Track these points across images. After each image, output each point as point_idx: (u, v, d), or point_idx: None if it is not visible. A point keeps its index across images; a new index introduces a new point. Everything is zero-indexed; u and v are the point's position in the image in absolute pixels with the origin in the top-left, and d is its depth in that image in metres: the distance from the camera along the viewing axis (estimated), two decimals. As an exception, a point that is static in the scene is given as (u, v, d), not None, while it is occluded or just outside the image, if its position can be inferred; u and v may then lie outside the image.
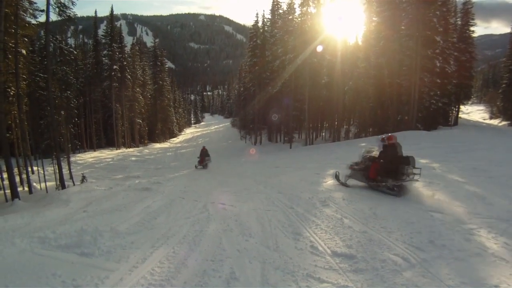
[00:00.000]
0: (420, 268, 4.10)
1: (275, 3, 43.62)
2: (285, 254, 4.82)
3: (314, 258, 4.65)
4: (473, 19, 36.64)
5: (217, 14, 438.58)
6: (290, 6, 38.73)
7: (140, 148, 45.44)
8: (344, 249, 4.84)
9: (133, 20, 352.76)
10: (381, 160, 8.64)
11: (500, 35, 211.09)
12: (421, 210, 6.38)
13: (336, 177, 10.13)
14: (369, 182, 8.96)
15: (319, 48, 32.41)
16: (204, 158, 22.27)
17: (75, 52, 34.68)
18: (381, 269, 4.16)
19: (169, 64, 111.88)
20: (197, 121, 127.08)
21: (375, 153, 9.29)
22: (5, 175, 15.45)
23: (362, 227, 5.75)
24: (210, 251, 5.11)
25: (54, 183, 19.20)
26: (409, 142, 18.68)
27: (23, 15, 18.53)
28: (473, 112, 60.38)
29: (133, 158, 33.77)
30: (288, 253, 4.87)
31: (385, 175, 8.37)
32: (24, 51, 19.00)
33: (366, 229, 5.65)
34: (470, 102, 48.87)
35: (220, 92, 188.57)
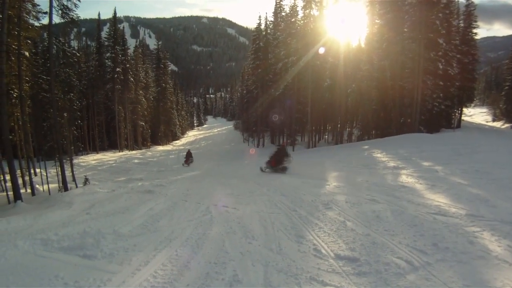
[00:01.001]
0: (423, 271, 4.08)
1: (277, 5, 43.65)
2: (288, 257, 4.81)
3: (317, 261, 4.64)
4: (475, 21, 36.51)
5: (220, 16, 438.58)
6: (293, 8, 38.70)
7: (143, 150, 45.42)
8: (347, 252, 4.83)
9: (136, 23, 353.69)
10: (275, 155, 16.57)
11: (503, 37, 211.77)
12: (425, 213, 6.36)
13: (261, 169, 16.92)
14: (273, 168, 16.33)
15: (322, 51, 32.42)
16: (188, 158, 29.40)
17: (78, 55, 34.77)
18: (384, 272, 4.15)
19: (172, 67, 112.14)
20: (200, 124, 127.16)
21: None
22: (8, 177, 15.49)
23: (365, 230, 5.74)
24: (213, 253, 5.11)
25: (56, 185, 19.19)
26: (412, 144, 18.73)
27: (26, 17, 18.56)
28: (476, 115, 60.26)
29: (136, 161, 33.76)
30: (291, 256, 4.87)
31: (278, 163, 16.23)
32: (27, 53, 19.01)
33: (369, 232, 5.64)
34: (472, 104, 48.64)
35: (223, 95, 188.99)
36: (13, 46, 17.17)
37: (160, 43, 58.75)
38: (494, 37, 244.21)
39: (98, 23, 46.29)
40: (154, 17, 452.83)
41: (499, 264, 4.12)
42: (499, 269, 4.00)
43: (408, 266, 4.25)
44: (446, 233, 5.22)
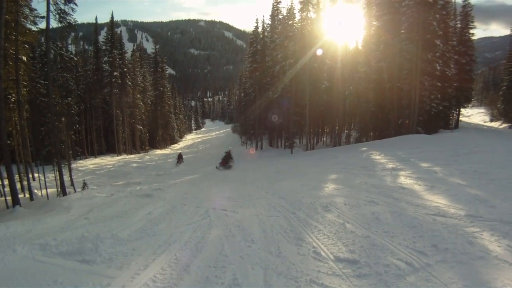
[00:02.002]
0: (423, 272, 4.08)
1: (274, 8, 43.63)
2: (288, 260, 4.81)
3: (317, 263, 4.63)
4: (472, 22, 36.60)
5: (217, 20, 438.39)
6: (290, 11, 38.75)
7: (141, 154, 45.40)
8: (347, 254, 4.83)
9: (134, 27, 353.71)
10: (224, 158, 23.60)
11: (500, 37, 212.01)
12: (424, 214, 6.36)
13: (216, 167, 24.14)
14: (222, 167, 23.71)
15: (319, 53, 32.43)
16: (179, 160, 34.76)
17: (76, 59, 34.80)
18: (384, 273, 4.14)
19: (169, 71, 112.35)
20: (198, 127, 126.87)
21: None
22: (6, 182, 15.46)
23: (364, 232, 5.73)
24: (212, 257, 5.10)
25: (55, 189, 19.17)
26: (410, 146, 18.75)
27: (24, 21, 18.54)
28: (474, 115, 60.39)
29: (134, 165, 33.73)
30: (290, 258, 4.86)
31: (226, 163, 24.07)
32: (24, 58, 19.01)
33: (368, 233, 5.63)
34: (470, 105, 48.69)
35: (220, 98, 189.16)
36: (11, 51, 17.16)
37: (157, 47, 58.78)
38: (491, 37, 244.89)
39: (95, 27, 46.33)
40: (152, 21, 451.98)
41: (499, 264, 4.11)
42: (499, 269, 3.99)
43: (408, 267, 4.24)
44: (445, 234, 5.21)
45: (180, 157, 35.59)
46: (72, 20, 17.45)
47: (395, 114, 28.49)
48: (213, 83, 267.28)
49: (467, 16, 36.53)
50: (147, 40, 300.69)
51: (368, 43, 32.44)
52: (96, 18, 45.90)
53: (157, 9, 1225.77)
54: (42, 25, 19.98)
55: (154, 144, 54.58)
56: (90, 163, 33.78)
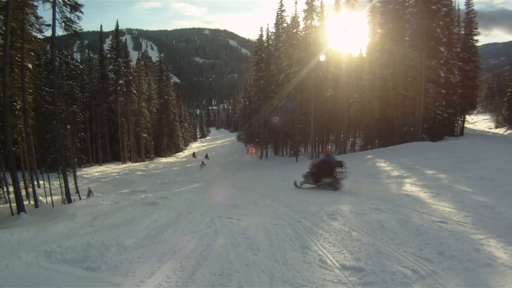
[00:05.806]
0: (430, 279, 4.05)
1: (279, 17, 43.76)
2: (294, 268, 4.77)
3: (323, 271, 4.60)
4: (476, 28, 36.54)
5: (221, 28, 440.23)
6: (294, 19, 38.96)
7: (146, 162, 45.45)
8: (353, 262, 4.79)
9: (138, 35, 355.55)
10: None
11: (504, 43, 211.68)
12: (430, 221, 6.33)
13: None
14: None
15: (323, 60, 32.49)
16: (194, 155, 43.63)
17: (81, 67, 34.94)
18: (390, 281, 4.11)
19: (174, 79, 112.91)
20: (203, 136, 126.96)
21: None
22: (11, 189, 15.49)
23: (370, 240, 5.70)
24: (217, 265, 5.07)
25: (60, 197, 19.16)
26: (416, 153, 18.70)
27: (30, 29, 18.69)
28: (479, 122, 60.17)
29: (139, 173, 33.76)
30: (296, 266, 4.83)
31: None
32: (30, 66, 19.11)
33: (374, 241, 5.60)
34: (475, 111, 48.50)
35: (225, 106, 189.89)
36: (17, 58, 17.29)
37: (162, 55, 59.13)
38: (495, 43, 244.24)
39: (100, 35, 46.66)
40: (156, 29, 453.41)
41: (505, 271, 4.09)
42: (506, 276, 3.98)
43: (414, 275, 4.21)
44: (452, 241, 5.19)
45: (194, 155, 49.61)
46: (77, 28, 17.53)
47: (400, 122, 28.45)
48: (218, 92, 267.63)
49: (470, 22, 36.48)
50: (152, 48, 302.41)
51: (372, 51, 32.46)
52: (101, 27, 46.21)
53: (158, 18, 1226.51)
54: (48, 33, 20.01)
55: (159, 152, 54.66)
56: (95, 170, 33.83)
